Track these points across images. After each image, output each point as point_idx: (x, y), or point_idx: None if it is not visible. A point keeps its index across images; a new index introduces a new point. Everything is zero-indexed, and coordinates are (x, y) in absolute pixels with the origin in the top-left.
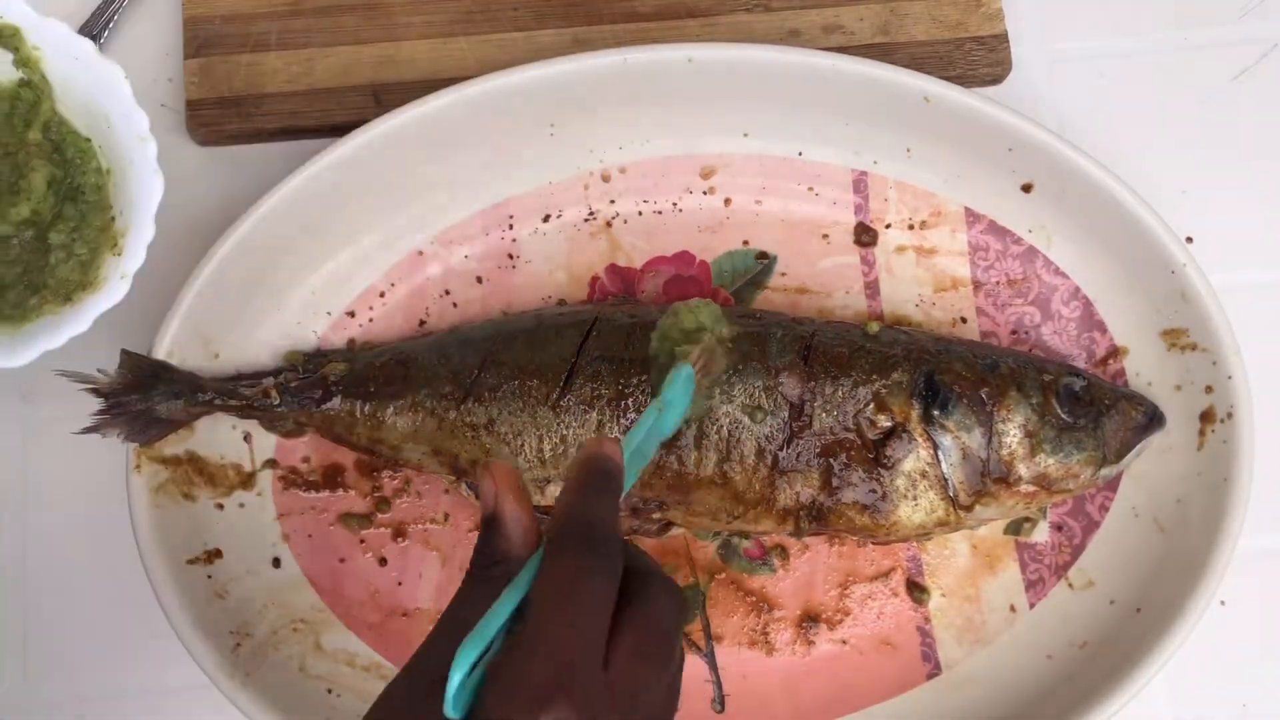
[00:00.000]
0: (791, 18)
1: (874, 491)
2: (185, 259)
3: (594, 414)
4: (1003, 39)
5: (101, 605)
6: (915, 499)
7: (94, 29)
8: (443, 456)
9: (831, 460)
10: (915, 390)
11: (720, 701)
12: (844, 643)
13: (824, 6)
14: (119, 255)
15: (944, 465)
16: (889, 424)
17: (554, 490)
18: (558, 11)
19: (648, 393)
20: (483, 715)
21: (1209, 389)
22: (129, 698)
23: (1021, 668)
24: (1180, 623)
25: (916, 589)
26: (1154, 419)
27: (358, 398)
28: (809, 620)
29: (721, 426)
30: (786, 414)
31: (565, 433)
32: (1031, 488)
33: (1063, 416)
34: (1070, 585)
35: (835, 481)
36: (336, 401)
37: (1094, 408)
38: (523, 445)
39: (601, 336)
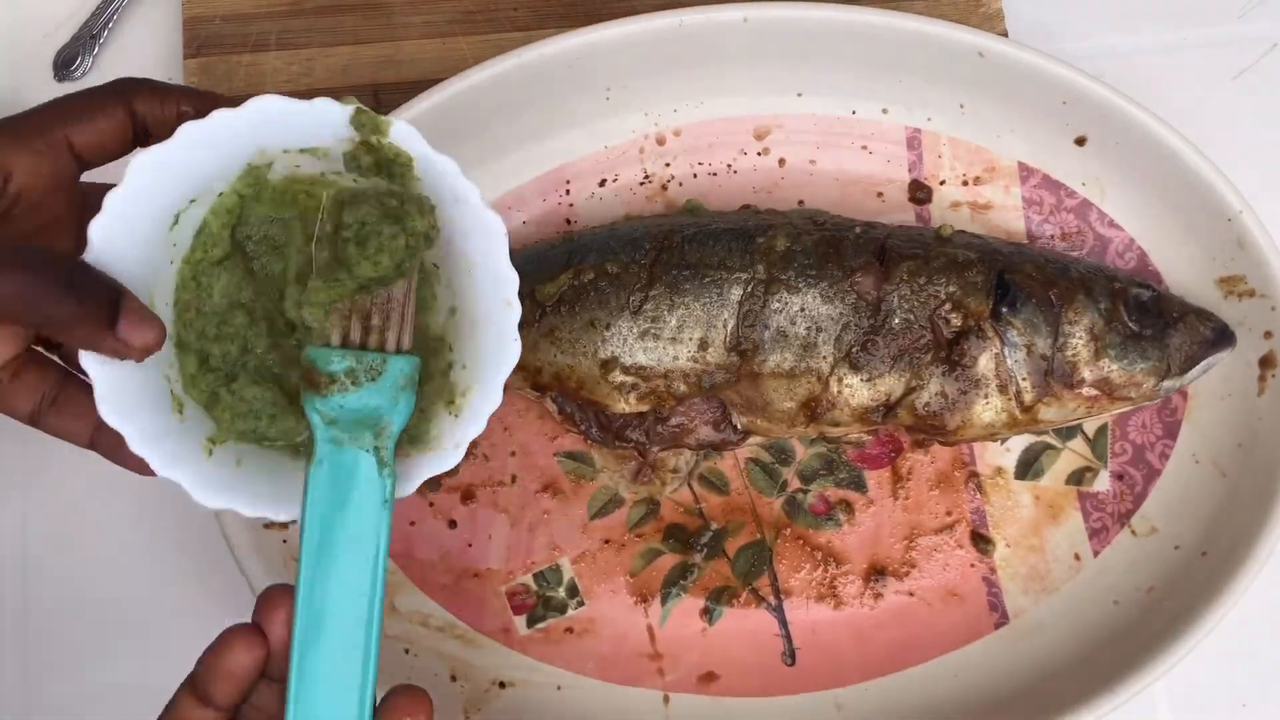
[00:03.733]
0: None
1: (947, 390)
2: None
3: (673, 318)
4: (1002, 39)
5: (101, 605)
6: (987, 398)
7: (94, 29)
8: (526, 371)
9: (906, 359)
10: (987, 289)
11: (791, 655)
12: (911, 594)
13: None
14: (455, 416)
15: (1009, 362)
16: (962, 324)
17: (636, 399)
18: (558, 11)
19: (722, 294)
20: None
21: (1268, 334)
22: (129, 698)
23: (1089, 614)
24: (1248, 564)
25: (981, 540)
26: (1222, 336)
27: None
28: (876, 573)
29: (799, 325)
30: (863, 313)
31: (647, 341)
32: (1093, 391)
33: (1129, 324)
34: (1134, 532)
35: (910, 380)
36: None
37: (1161, 319)
38: (603, 356)
39: (675, 247)
